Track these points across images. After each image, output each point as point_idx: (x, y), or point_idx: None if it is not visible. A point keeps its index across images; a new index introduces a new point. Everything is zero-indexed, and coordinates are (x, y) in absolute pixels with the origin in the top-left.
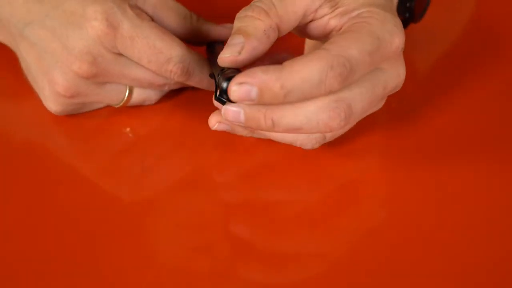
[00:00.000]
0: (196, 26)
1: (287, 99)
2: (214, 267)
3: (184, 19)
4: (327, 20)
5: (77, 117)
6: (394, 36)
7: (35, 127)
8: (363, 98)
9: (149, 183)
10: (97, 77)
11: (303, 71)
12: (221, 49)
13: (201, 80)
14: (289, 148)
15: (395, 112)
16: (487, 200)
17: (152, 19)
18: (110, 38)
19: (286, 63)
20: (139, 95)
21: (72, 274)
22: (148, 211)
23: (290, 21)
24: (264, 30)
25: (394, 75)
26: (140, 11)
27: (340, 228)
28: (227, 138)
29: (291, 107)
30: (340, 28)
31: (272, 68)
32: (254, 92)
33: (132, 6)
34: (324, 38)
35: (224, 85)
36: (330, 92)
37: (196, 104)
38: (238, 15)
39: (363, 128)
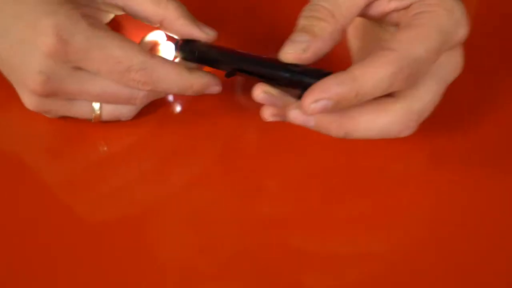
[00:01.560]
0: (172, 15)
1: (358, 102)
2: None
3: (157, 5)
4: (387, 2)
5: (58, 123)
6: (461, 27)
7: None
8: (432, 105)
9: (119, 201)
10: (56, 95)
11: (375, 78)
12: (206, 47)
13: (169, 85)
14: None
15: None
16: None
17: (124, 9)
18: (62, 53)
19: (356, 70)
20: (110, 112)
21: None
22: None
23: (352, 15)
24: (330, 33)
25: (453, 68)
26: (94, 20)
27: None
28: (212, 150)
29: (365, 120)
30: (402, 9)
31: (345, 79)
32: (330, 105)
33: (86, 15)
34: (382, 18)
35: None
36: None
37: (179, 117)
38: (303, 13)
39: None
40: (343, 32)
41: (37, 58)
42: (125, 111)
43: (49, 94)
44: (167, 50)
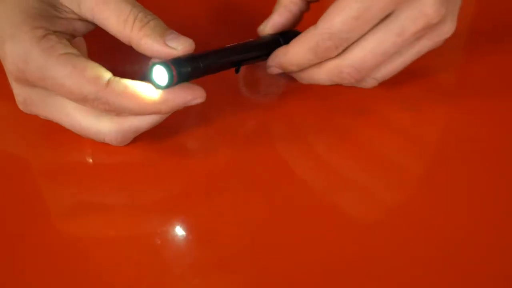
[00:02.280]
0: (137, 36)
1: (297, 68)
2: None
3: (124, 23)
4: None
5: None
6: None
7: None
8: (368, 57)
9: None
10: (39, 115)
11: (299, 52)
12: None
13: (133, 112)
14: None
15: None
16: None
17: (95, 23)
18: (24, 80)
19: (289, 45)
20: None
21: None
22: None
23: None
24: (285, 6)
25: (412, 16)
26: (52, 44)
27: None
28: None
29: (314, 73)
30: None
31: (280, 53)
32: (278, 70)
33: (44, 36)
34: None
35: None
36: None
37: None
38: None
39: None
40: (304, 1)
41: (12, 82)
42: (108, 140)
43: (31, 113)
44: None
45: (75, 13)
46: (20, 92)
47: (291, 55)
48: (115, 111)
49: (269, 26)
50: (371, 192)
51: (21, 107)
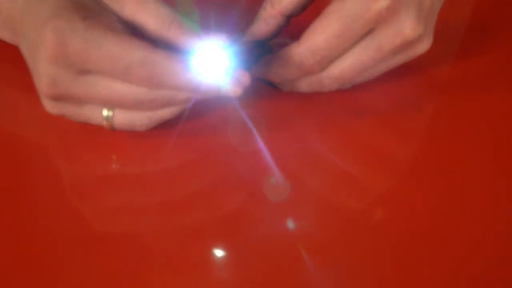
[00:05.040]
0: (174, 35)
1: (283, 81)
2: None
3: (162, 25)
4: None
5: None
6: (372, 3)
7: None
8: (347, 71)
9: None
10: (66, 99)
11: (283, 68)
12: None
13: (174, 81)
14: None
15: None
16: None
17: (134, 24)
18: (63, 57)
19: (274, 60)
20: (121, 119)
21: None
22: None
23: (292, 3)
24: (264, 19)
25: (390, 34)
26: (95, 21)
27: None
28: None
29: (293, 83)
30: None
31: (266, 66)
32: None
33: (88, 17)
34: None
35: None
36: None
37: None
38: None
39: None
40: (284, 17)
41: (43, 62)
42: (137, 119)
43: (58, 97)
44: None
45: (115, 14)
46: (51, 72)
47: (276, 70)
48: (157, 79)
49: (247, 37)
50: (368, 189)
51: (46, 89)
